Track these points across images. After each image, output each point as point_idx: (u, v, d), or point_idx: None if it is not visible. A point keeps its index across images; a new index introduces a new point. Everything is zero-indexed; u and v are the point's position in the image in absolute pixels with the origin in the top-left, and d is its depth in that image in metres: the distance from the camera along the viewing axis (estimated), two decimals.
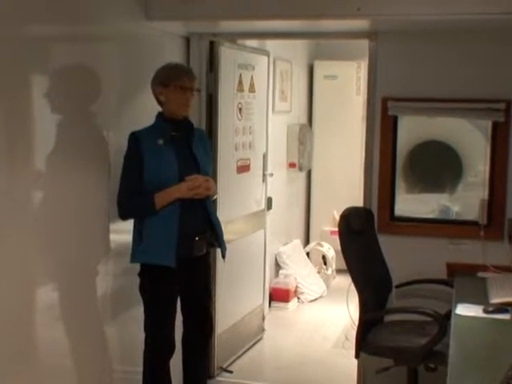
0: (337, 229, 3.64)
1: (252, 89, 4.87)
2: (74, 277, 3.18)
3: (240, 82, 4.68)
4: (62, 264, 3.08)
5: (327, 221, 6.91)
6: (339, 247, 3.59)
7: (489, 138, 3.97)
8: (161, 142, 3.32)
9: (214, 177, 4.02)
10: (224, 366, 4.58)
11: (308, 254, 6.75)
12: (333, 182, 6.97)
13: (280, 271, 6.19)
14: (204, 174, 3.40)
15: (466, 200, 4.17)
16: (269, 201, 5.36)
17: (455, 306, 3.15)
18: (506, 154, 3.88)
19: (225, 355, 4.61)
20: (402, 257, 3.95)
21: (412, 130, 4.21)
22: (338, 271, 6.55)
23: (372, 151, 4.07)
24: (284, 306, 5.99)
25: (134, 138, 3.31)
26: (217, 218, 3.55)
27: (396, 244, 3.98)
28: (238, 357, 4.82)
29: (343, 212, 3.65)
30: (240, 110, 4.71)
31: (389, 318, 3.80)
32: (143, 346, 3.42)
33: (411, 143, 4.21)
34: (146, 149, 3.29)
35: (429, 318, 3.43)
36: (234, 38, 4.54)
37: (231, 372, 4.56)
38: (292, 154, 6.46)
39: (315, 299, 6.26)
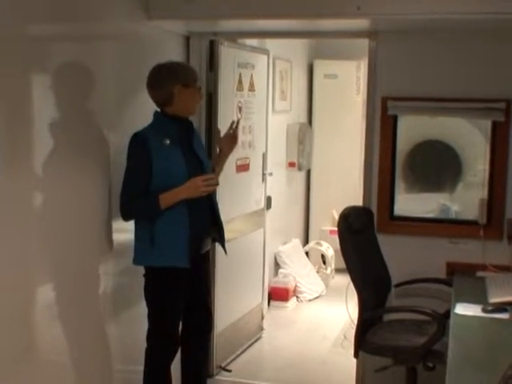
0: (336, 228, 3.64)
1: (252, 88, 4.87)
2: (75, 276, 3.17)
3: (240, 81, 4.68)
4: (61, 263, 3.07)
5: (326, 220, 6.90)
6: (338, 246, 3.60)
7: (488, 138, 3.97)
8: (168, 141, 3.27)
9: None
10: (223, 365, 4.58)
11: (307, 253, 6.75)
12: (332, 182, 6.96)
13: (279, 270, 6.19)
14: (207, 171, 3.42)
15: (466, 199, 4.17)
16: (268, 200, 5.36)
17: (454, 306, 3.16)
18: (506, 154, 3.89)
19: (224, 354, 4.61)
20: (401, 256, 3.95)
21: (412, 129, 4.21)
22: (337, 270, 6.54)
23: (372, 151, 4.07)
24: (283, 305, 6.00)
25: (141, 138, 3.23)
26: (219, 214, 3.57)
27: (395, 243, 3.99)
28: (237, 356, 4.82)
29: (343, 211, 3.65)
30: (240, 108, 4.71)
31: (388, 317, 3.81)
32: (145, 345, 3.41)
33: (411, 143, 4.21)
34: (154, 149, 3.23)
35: (428, 318, 3.44)
36: (234, 37, 4.54)
37: (230, 371, 4.56)
38: (291, 154, 6.45)
39: (314, 298, 6.26)
